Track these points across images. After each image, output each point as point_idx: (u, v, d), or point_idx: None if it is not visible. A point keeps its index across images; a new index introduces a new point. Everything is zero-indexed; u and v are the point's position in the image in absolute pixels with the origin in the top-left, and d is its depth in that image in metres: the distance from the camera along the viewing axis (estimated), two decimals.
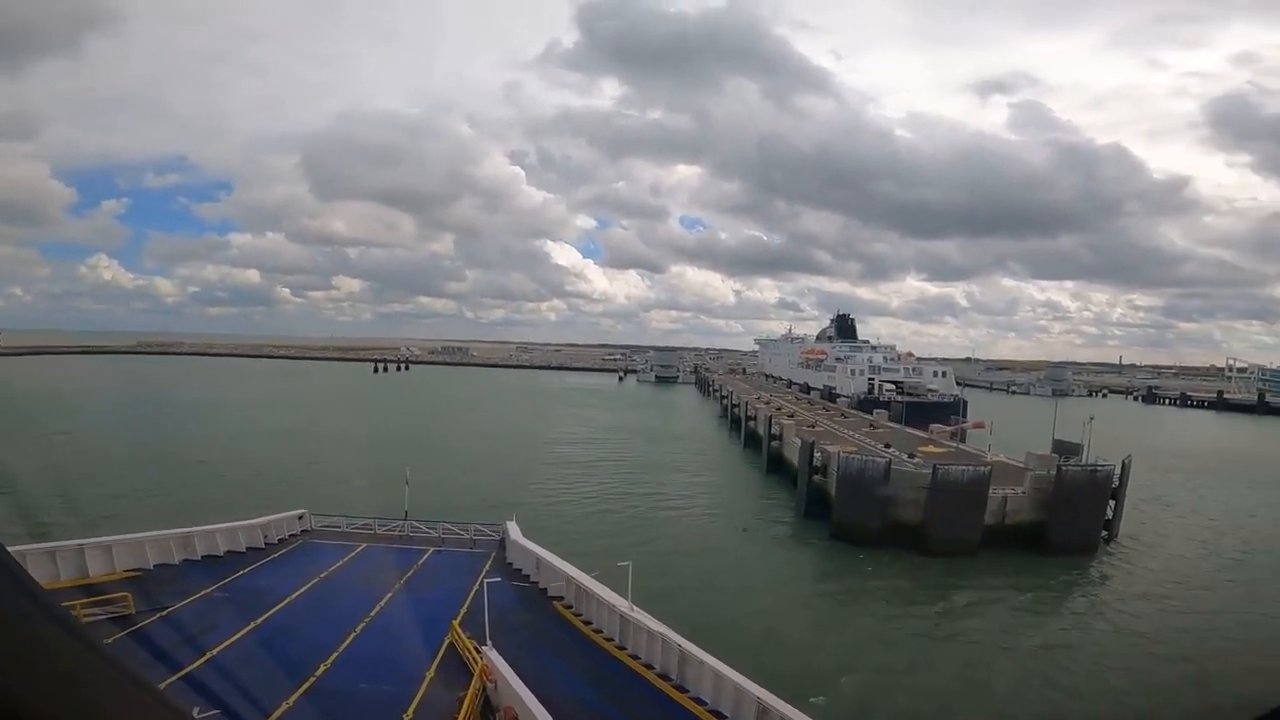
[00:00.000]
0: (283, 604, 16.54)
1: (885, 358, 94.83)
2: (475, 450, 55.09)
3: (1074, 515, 30.36)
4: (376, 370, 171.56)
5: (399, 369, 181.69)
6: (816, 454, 37.06)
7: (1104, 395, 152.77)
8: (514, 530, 22.16)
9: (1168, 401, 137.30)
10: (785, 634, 21.82)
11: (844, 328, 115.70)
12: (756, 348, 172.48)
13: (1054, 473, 31.04)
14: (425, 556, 21.23)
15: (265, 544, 21.30)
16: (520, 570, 20.18)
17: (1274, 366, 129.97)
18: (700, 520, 36.39)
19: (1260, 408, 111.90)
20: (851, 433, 51.17)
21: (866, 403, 76.12)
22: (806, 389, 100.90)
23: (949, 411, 67.51)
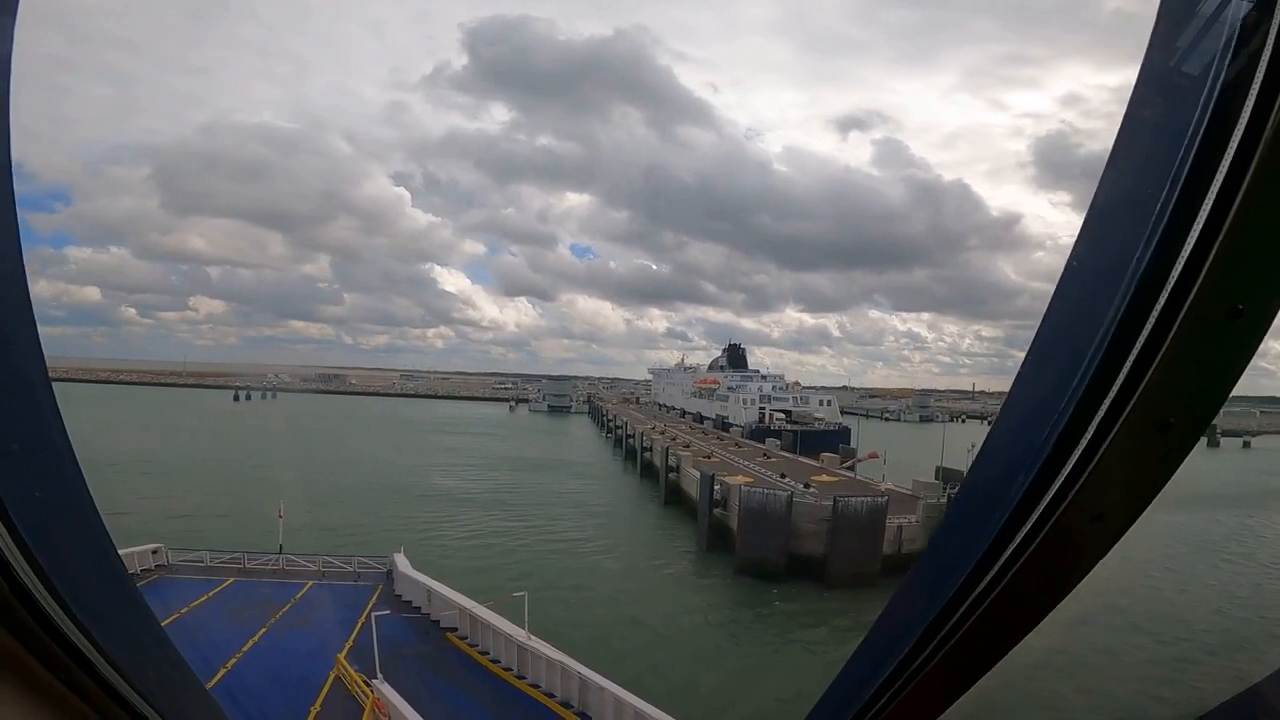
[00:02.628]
0: None
1: (775, 387, 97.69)
2: (353, 484, 50.13)
3: None
4: (237, 398, 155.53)
5: (264, 397, 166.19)
6: (717, 486, 36.26)
7: (963, 421, 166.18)
8: (402, 562, 21.43)
9: None
10: (702, 676, 20.76)
11: (735, 357, 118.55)
12: (649, 376, 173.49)
13: (944, 501, 31.94)
14: (304, 590, 19.96)
15: None
16: (410, 602, 19.60)
17: None
18: (598, 556, 34.45)
19: None
20: (747, 463, 51.19)
21: (758, 431, 77.48)
22: (700, 418, 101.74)
23: (836, 439, 69.94)
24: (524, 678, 15.23)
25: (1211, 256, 0.76)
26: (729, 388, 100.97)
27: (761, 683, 20.72)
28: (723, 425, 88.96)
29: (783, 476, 42.11)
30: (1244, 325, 0.78)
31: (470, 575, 26.01)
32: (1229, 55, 0.77)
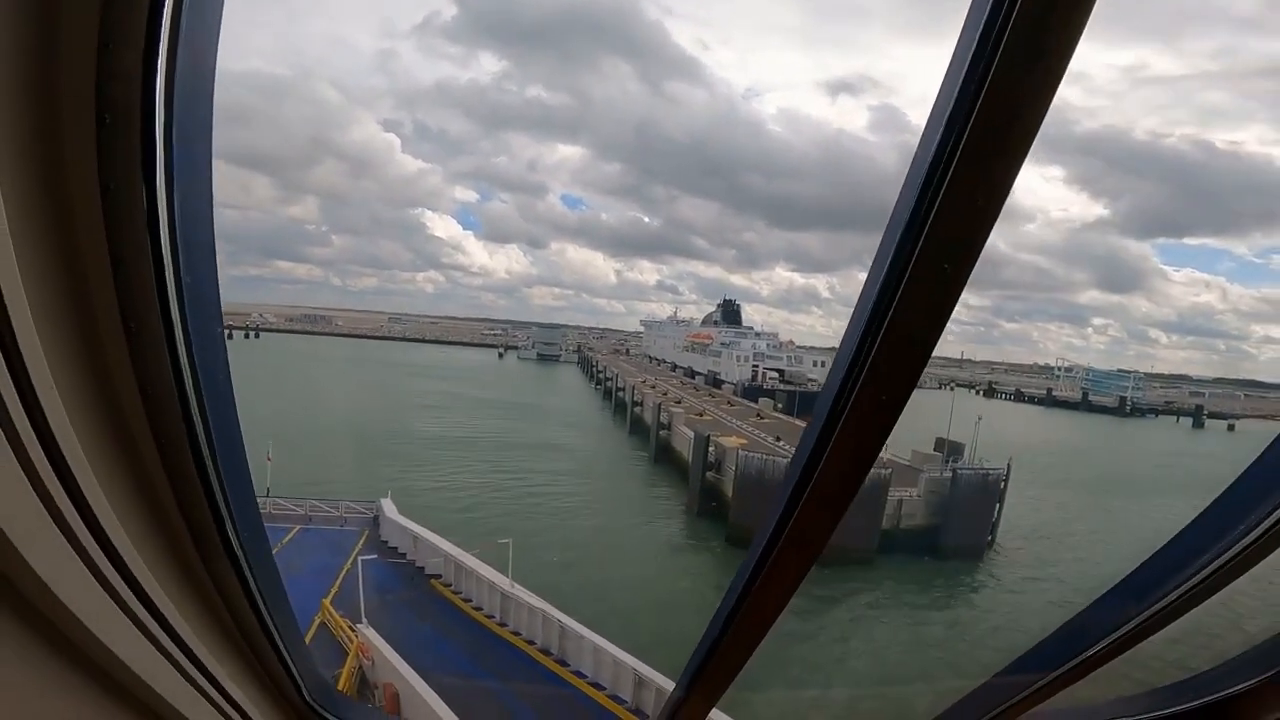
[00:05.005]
0: None
1: (769, 345, 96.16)
2: (335, 429, 48.57)
3: (966, 519, 30.16)
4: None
5: (247, 336, 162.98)
6: (711, 449, 34.84)
7: (952, 388, 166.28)
8: (389, 508, 21.67)
9: (1005, 396, 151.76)
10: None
11: (730, 313, 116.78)
12: (640, 328, 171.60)
13: (948, 475, 30.68)
14: (291, 535, 20.15)
15: None
16: (396, 548, 19.86)
17: (1100, 368, 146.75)
18: (584, 516, 33.20)
19: (1084, 405, 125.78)
20: (740, 423, 49.87)
21: (751, 390, 76.24)
22: (691, 373, 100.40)
23: None
24: (506, 625, 15.53)
25: (927, 231, 1.04)
26: (722, 343, 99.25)
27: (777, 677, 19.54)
28: (714, 381, 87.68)
29: (778, 440, 40.74)
30: (947, 283, 1.08)
31: (453, 530, 24.55)
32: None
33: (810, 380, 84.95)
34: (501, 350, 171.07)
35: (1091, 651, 2.06)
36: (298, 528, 20.74)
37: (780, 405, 62.73)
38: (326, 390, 72.68)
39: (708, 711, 2.20)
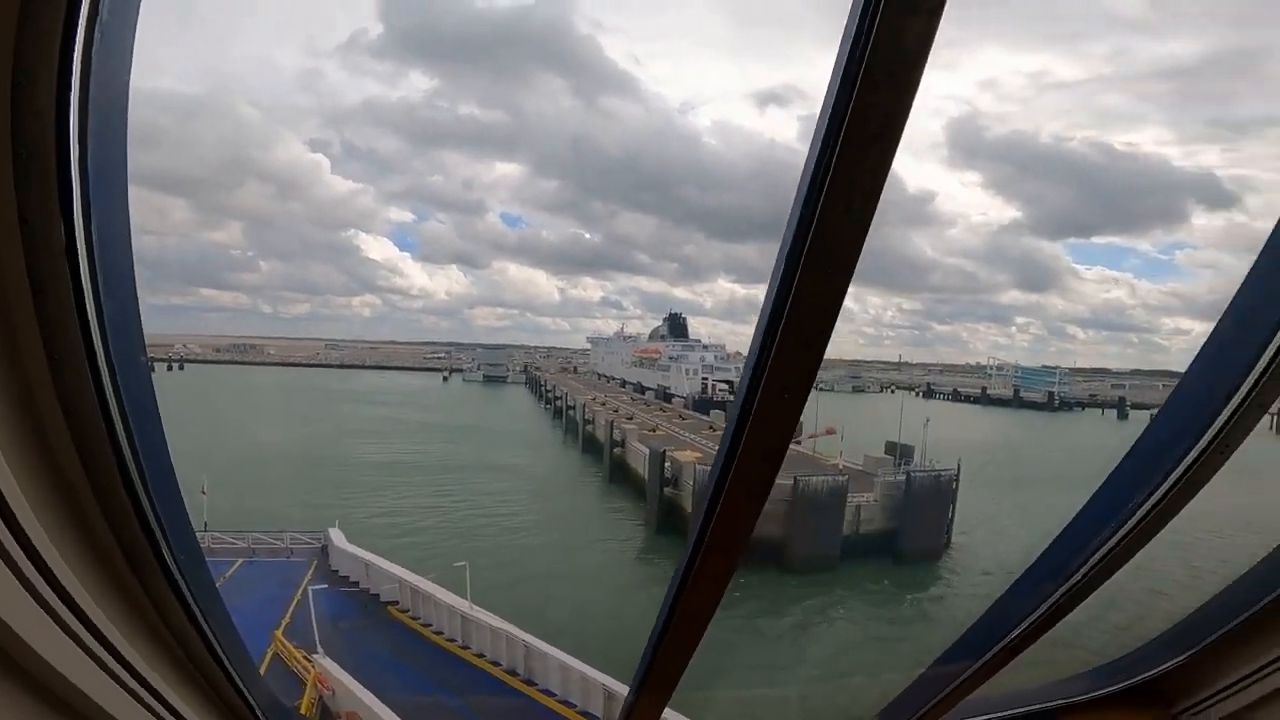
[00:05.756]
0: None
1: (716, 357, 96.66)
2: (273, 461, 45.78)
3: (923, 521, 30.48)
4: None
5: (170, 369, 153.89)
6: (667, 464, 34.32)
7: (892, 391, 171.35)
8: (337, 537, 21.21)
9: (943, 396, 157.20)
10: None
11: (676, 326, 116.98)
12: (588, 345, 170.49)
13: (902, 478, 31.01)
14: (234, 568, 19.63)
15: None
16: (348, 577, 19.45)
17: (1028, 365, 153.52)
18: (541, 535, 32.26)
19: (1015, 402, 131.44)
20: (694, 436, 49.56)
21: (702, 403, 76.38)
22: (641, 389, 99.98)
23: None
24: (468, 647, 15.30)
25: (810, 240, 1.10)
26: (670, 357, 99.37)
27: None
28: (665, 396, 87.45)
29: None
30: (832, 289, 1.14)
31: (407, 554, 23.52)
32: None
33: None
34: (446, 373, 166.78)
35: (1012, 635, 2.22)
36: (241, 561, 20.37)
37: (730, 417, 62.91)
38: (261, 421, 68.84)
39: (659, 713, 2.28)
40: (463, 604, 15.83)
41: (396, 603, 17.74)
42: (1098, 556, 1.97)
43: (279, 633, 14.95)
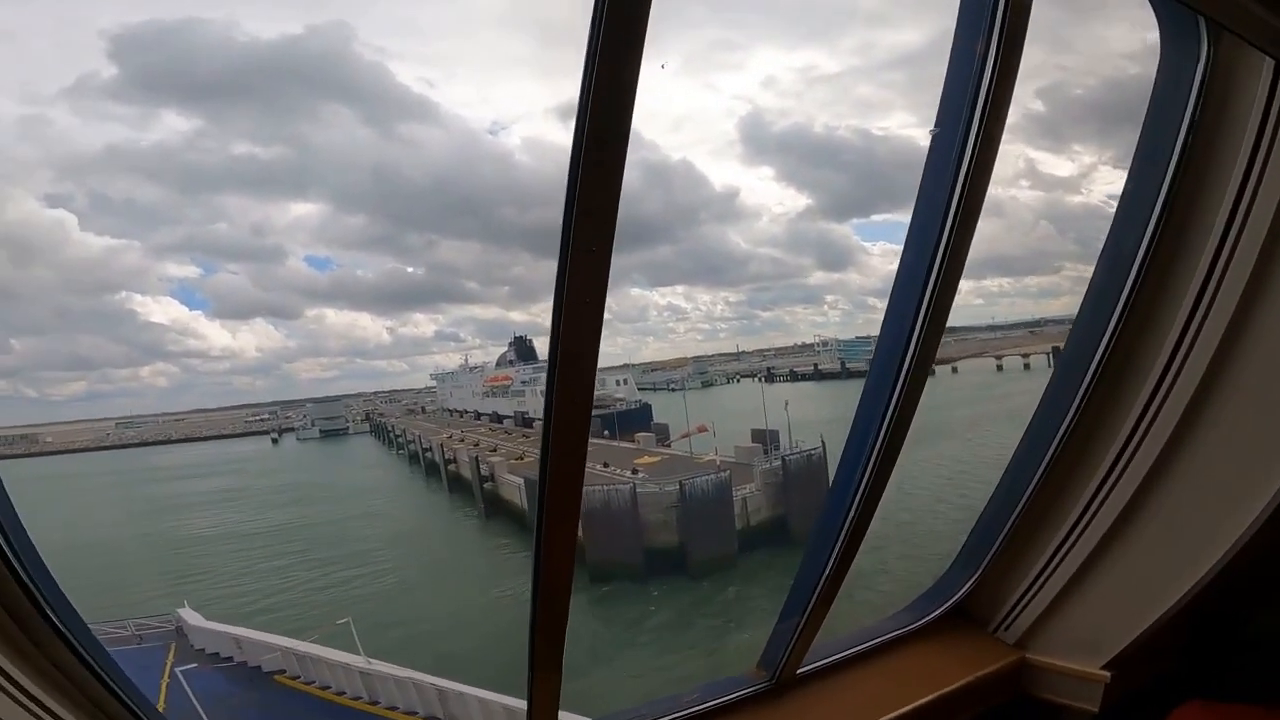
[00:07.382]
0: None
1: None
2: (74, 558, 37.40)
3: (804, 501, 31.58)
4: None
5: None
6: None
7: (738, 380, 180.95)
8: (192, 616, 19.97)
9: (783, 378, 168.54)
10: None
11: (524, 350, 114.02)
12: (432, 383, 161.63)
13: (778, 464, 31.99)
14: None
15: None
16: (218, 654, 18.12)
17: (846, 339, 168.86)
18: (429, 588, 29.72)
19: (844, 374, 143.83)
20: None
21: None
22: (498, 418, 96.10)
23: (645, 417, 70.00)
24: (377, 702, 14.52)
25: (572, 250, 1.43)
26: (523, 381, 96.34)
27: None
28: (525, 421, 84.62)
29: (605, 465, 39.73)
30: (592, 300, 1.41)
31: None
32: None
33: (618, 400, 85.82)
34: (275, 434, 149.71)
35: (823, 579, 2.61)
36: None
37: (596, 430, 62.15)
38: (48, 519, 56.65)
39: (554, 714, 2.39)
40: (358, 660, 15.11)
41: (284, 670, 16.44)
42: (857, 500, 2.39)
43: None
